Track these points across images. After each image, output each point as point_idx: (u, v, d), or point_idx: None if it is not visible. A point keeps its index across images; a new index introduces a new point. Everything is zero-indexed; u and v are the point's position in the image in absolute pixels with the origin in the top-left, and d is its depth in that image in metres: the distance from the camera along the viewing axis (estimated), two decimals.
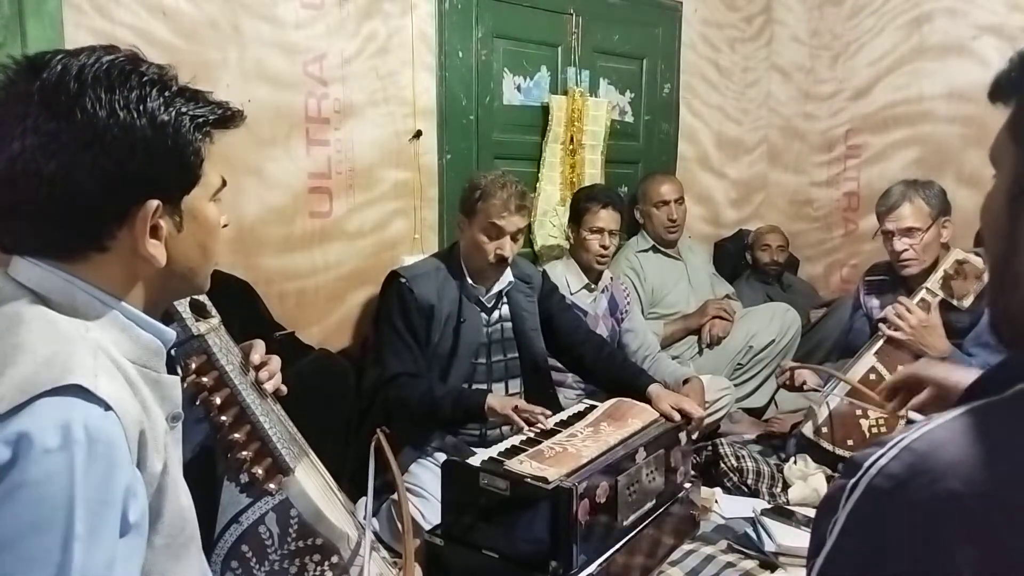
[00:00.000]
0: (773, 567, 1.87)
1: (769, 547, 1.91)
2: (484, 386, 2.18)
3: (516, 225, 2.11)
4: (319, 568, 1.25)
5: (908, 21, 3.40)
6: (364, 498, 1.40)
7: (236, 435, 1.19)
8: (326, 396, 2.12)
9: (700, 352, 3.06)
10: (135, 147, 0.80)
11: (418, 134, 2.65)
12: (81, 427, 0.72)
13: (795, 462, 2.30)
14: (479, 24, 2.78)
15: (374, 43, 2.53)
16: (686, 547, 1.94)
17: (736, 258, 3.71)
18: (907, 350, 2.27)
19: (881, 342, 2.34)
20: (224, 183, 0.93)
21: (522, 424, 1.85)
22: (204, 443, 1.20)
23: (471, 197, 2.14)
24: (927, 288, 2.32)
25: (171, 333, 0.93)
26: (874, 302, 2.54)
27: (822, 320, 3.37)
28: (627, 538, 1.69)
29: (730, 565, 1.87)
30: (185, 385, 1.08)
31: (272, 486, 1.22)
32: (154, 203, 0.83)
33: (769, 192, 4.03)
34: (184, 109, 0.84)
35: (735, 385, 2.92)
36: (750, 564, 1.88)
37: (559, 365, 2.44)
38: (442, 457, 1.93)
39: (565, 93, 3.03)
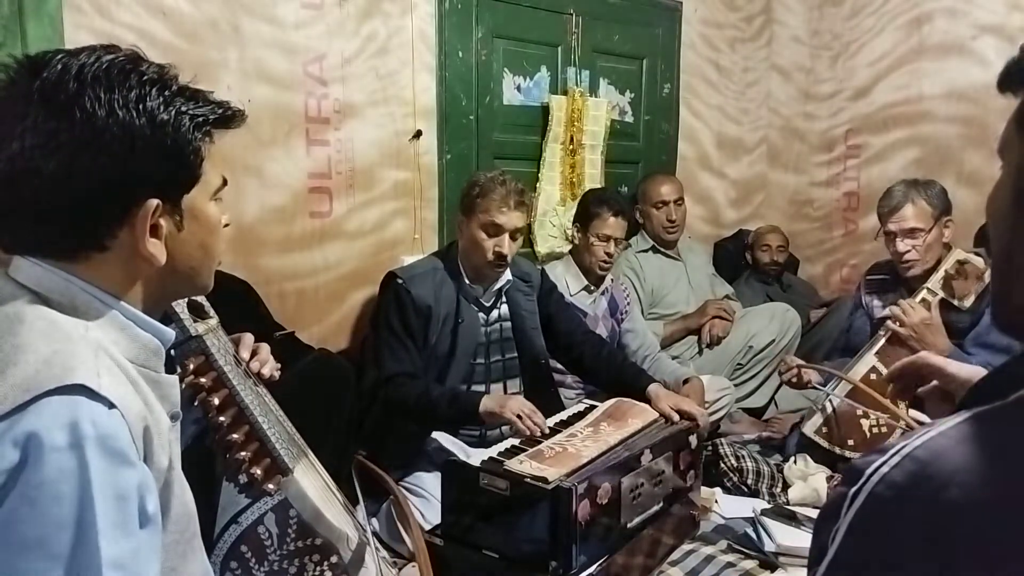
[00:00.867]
0: (773, 567, 1.87)
1: (769, 547, 1.91)
2: (483, 387, 2.17)
3: (515, 223, 2.10)
4: (318, 568, 1.25)
5: (908, 21, 3.40)
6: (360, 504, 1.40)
7: (235, 435, 1.19)
8: (326, 396, 2.11)
9: (700, 352, 3.05)
10: (134, 146, 0.80)
11: (418, 134, 2.65)
12: (89, 424, 0.72)
13: (795, 462, 2.30)
14: (479, 24, 2.78)
15: (374, 43, 2.53)
16: (686, 547, 1.94)
17: (736, 258, 3.71)
18: (908, 349, 2.27)
19: (882, 342, 2.34)
20: (225, 182, 0.93)
21: (521, 427, 1.85)
22: (195, 435, 1.21)
23: (470, 194, 2.13)
24: (928, 288, 2.32)
25: (170, 333, 0.93)
26: (875, 301, 2.53)
27: (822, 320, 3.37)
28: (627, 539, 1.69)
29: (730, 565, 1.88)
30: (183, 386, 1.08)
31: (271, 486, 1.22)
32: (154, 202, 0.82)
33: (769, 192, 4.03)
34: (184, 108, 0.84)
35: (735, 385, 2.91)
36: (750, 564, 1.89)
37: (559, 365, 2.44)
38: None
39: (565, 93, 3.03)
